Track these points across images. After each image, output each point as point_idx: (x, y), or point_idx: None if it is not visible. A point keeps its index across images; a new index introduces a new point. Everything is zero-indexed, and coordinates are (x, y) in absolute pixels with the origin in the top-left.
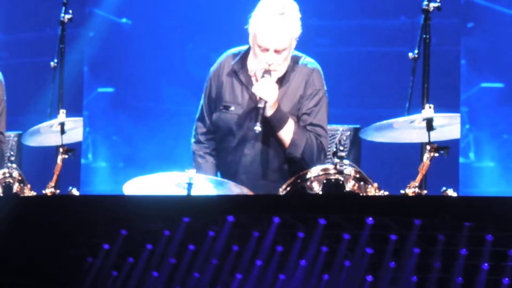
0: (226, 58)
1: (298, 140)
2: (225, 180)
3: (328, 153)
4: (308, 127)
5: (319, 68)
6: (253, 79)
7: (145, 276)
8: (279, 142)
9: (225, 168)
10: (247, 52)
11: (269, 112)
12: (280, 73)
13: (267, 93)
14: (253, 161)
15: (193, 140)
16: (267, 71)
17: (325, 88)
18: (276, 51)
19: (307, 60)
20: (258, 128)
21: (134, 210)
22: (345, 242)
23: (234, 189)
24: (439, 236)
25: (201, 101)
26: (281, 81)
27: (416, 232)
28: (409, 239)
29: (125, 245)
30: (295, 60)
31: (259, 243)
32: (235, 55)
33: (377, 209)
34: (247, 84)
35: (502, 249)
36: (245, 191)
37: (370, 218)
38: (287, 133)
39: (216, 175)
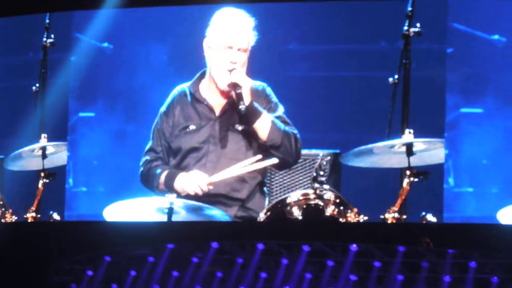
0: (177, 93)
1: (276, 127)
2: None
3: (308, 178)
4: None
5: (268, 86)
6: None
7: None
8: (241, 150)
9: None
10: (200, 76)
11: (245, 102)
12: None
13: (240, 79)
14: (215, 168)
15: (141, 169)
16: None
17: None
18: (239, 49)
19: (254, 82)
20: (243, 106)
21: (118, 237)
22: (329, 269)
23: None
24: (422, 263)
25: (151, 138)
26: None
27: (400, 259)
28: (393, 266)
29: (109, 271)
30: None
31: (243, 269)
32: (184, 86)
33: (361, 236)
34: (202, 101)
35: (486, 276)
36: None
37: (354, 245)
38: (265, 122)
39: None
